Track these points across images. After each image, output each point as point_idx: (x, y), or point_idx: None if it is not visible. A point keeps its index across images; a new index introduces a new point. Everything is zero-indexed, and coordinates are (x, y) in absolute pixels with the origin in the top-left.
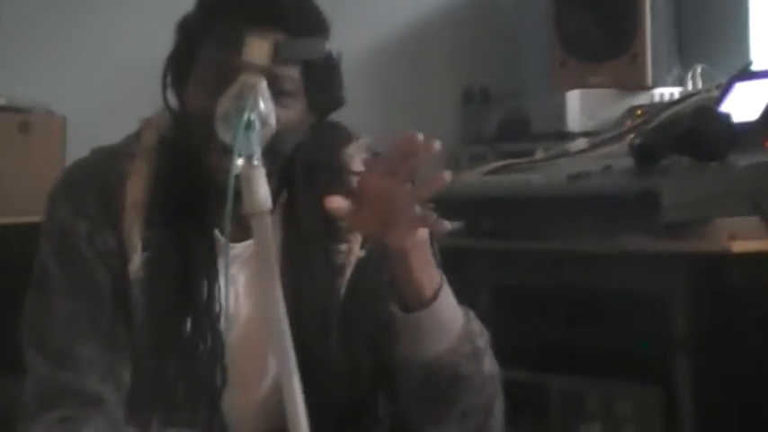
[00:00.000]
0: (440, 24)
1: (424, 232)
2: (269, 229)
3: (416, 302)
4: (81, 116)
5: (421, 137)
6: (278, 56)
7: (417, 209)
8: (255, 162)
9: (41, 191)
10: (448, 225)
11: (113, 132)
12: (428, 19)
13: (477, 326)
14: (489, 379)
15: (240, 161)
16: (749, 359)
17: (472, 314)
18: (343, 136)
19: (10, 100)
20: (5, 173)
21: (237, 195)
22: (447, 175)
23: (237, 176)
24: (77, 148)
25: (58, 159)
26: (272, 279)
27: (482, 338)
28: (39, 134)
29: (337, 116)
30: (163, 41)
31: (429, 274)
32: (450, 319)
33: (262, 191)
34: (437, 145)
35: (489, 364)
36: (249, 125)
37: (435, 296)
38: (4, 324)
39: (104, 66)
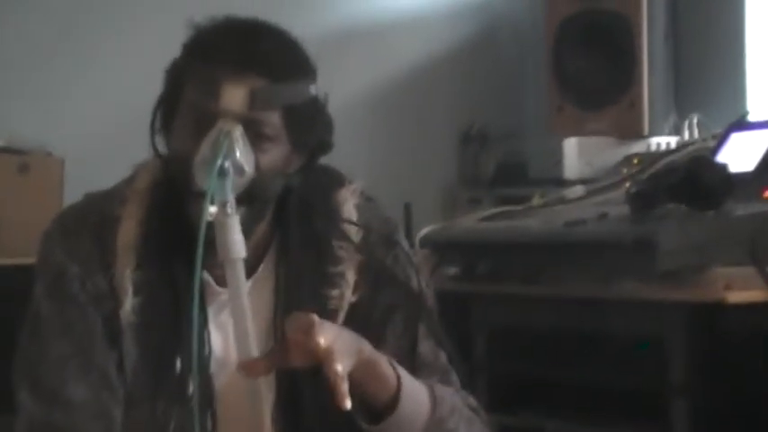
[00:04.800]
0: (440, 67)
1: (364, 353)
2: (242, 276)
3: (378, 409)
4: (79, 158)
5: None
6: (255, 102)
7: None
8: (229, 210)
9: (40, 232)
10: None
11: (111, 175)
12: (428, 62)
13: (447, 407)
14: None
15: (214, 209)
16: (746, 404)
17: (444, 394)
18: (335, 180)
19: (9, 142)
20: (4, 213)
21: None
22: (314, 317)
23: (212, 224)
24: (75, 190)
25: (56, 201)
26: (245, 325)
27: (452, 419)
28: (37, 175)
29: (336, 157)
30: (161, 85)
31: (383, 385)
32: (412, 420)
33: (235, 238)
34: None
35: None
36: (222, 172)
37: (395, 400)
38: (2, 364)
39: (103, 109)
